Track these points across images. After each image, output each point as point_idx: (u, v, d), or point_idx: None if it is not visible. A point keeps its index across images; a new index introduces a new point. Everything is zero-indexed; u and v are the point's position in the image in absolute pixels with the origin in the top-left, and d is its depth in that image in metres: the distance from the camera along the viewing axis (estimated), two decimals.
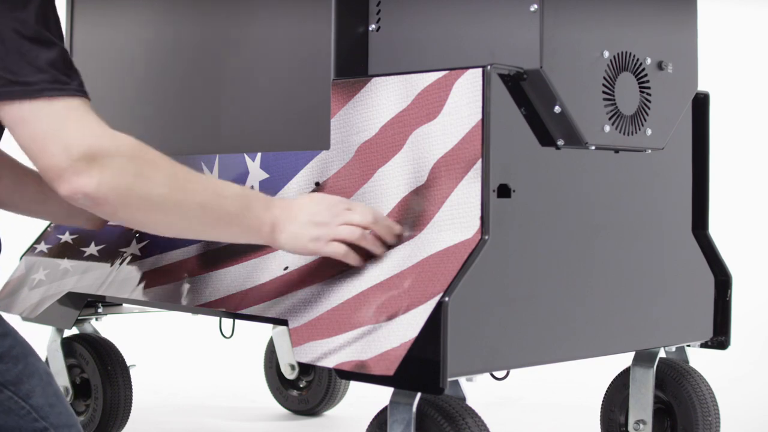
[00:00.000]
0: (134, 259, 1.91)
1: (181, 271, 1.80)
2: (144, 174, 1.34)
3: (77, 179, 1.28)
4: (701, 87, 1.79)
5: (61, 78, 1.30)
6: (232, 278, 1.69)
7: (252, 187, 1.75)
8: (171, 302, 1.79)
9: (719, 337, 1.85)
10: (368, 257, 1.51)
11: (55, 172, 1.29)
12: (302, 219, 1.47)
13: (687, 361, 1.91)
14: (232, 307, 1.65)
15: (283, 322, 1.57)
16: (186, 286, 1.76)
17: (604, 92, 1.57)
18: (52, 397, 1.38)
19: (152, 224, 1.40)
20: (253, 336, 2.86)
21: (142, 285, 1.86)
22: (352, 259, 1.49)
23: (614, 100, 1.58)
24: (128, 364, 2.19)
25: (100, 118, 1.33)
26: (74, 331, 2.21)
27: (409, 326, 1.38)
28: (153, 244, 1.90)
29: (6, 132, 1.37)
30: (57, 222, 2.01)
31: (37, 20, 1.30)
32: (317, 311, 1.50)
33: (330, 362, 1.43)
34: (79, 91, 1.32)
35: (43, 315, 2.11)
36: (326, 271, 1.55)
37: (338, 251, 1.48)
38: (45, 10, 1.32)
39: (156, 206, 1.36)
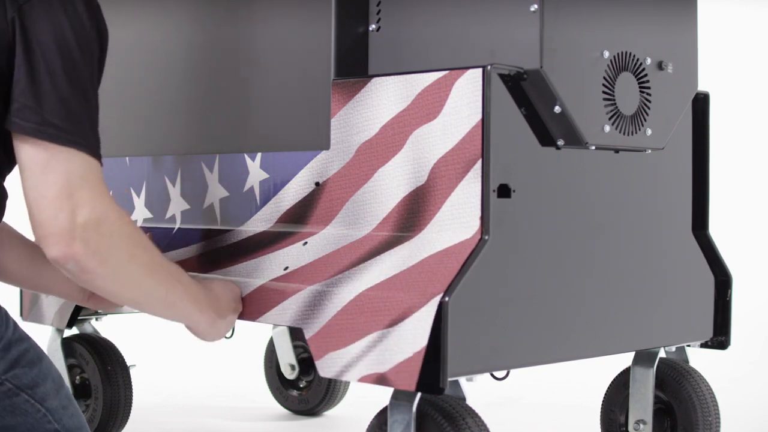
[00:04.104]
0: None
1: None
2: (134, 254, 1.36)
3: (74, 244, 1.27)
4: (701, 87, 1.79)
5: (92, 136, 1.30)
6: (233, 279, 1.68)
7: (251, 188, 1.76)
8: None
9: (719, 337, 1.84)
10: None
11: (54, 230, 1.27)
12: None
13: (687, 361, 1.90)
14: (239, 315, 1.65)
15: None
16: None
17: (604, 92, 1.57)
18: (64, 399, 1.41)
19: (119, 297, 1.42)
20: (253, 336, 2.86)
21: None
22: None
23: (614, 100, 1.58)
24: (128, 364, 2.19)
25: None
26: (74, 331, 2.21)
27: (417, 333, 1.38)
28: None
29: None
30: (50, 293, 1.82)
31: (90, 71, 1.31)
32: (325, 316, 1.50)
33: (352, 376, 1.45)
34: (99, 153, 1.33)
35: (43, 315, 2.11)
36: (326, 270, 1.55)
37: None
38: (99, 61, 1.34)
39: (132, 283, 1.39)
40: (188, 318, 1.54)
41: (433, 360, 1.37)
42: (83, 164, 1.28)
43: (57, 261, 1.29)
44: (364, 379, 1.45)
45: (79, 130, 1.28)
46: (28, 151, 1.27)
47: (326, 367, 1.50)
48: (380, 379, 1.42)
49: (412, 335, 1.39)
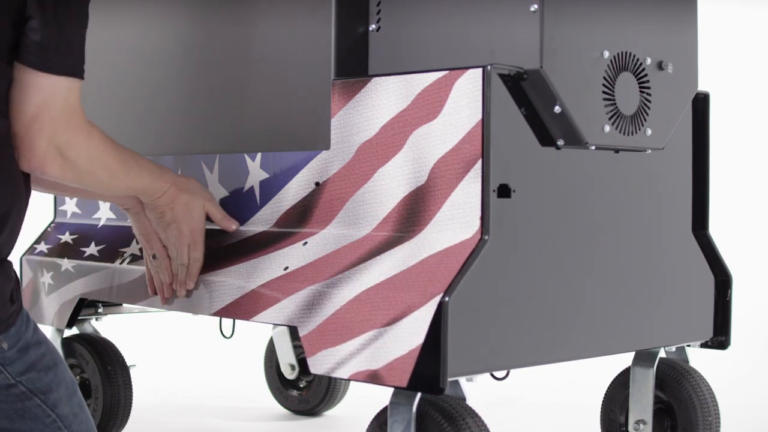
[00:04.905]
0: (134, 259, 1.91)
1: None
2: (103, 165, 1.48)
3: (49, 164, 1.38)
4: (701, 87, 1.79)
5: (82, 60, 1.40)
6: (233, 279, 1.69)
7: (252, 188, 1.76)
8: (175, 308, 1.79)
9: (719, 337, 1.85)
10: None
11: (33, 146, 1.36)
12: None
13: (687, 361, 1.91)
14: (239, 315, 1.65)
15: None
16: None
17: (604, 92, 1.57)
18: (76, 406, 1.41)
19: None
20: (253, 336, 2.86)
21: (145, 289, 1.86)
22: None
23: (614, 100, 1.58)
24: (128, 364, 2.19)
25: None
26: (74, 331, 2.21)
27: (414, 331, 1.38)
28: None
29: None
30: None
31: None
32: (322, 315, 1.50)
33: (344, 373, 1.45)
34: (83, 74, 1.41)
35: (43, 315, 2.11)
36: (326, 270, 1.55)
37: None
38: None
39: (94, 186, 1.51)
40: (145, 186, 1.62)
41: (432, 359, 1.37)
42: (74, 93, 1.39)
43: (31, 171, 1.39)
44: (355, 376, 1.44)
45: (75, 58, 1.38)
46: (26, 77, 1.35)
47: (318, 363, 1.50)
48: (372, 376, 1.42)
49: (409, 334, 1.39)
